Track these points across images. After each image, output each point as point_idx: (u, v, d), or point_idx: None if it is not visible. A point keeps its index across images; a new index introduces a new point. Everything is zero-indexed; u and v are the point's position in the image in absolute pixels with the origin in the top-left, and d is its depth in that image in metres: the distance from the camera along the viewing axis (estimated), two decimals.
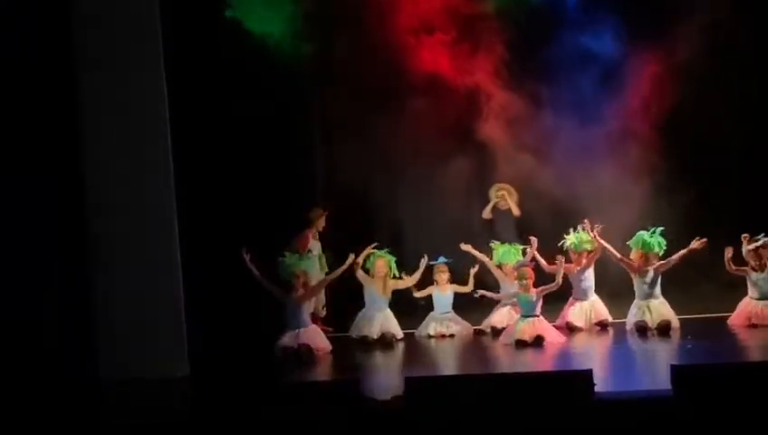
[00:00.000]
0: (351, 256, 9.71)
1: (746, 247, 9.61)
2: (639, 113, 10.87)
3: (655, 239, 9.62)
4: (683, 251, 9.60)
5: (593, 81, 10.81)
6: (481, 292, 9.81)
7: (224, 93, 10.68)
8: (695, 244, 9.58)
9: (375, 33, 10.88)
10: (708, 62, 10.59)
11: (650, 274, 9.64)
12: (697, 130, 10.74)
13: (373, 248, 9.94)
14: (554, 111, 10.87)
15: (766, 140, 11.01)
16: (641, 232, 9.68)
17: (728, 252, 9.56)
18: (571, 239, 9.99)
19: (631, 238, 9.81)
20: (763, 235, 9.67)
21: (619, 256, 9.70)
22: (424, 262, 9.91)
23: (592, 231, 9.77)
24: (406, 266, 10.08)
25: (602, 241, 9.73)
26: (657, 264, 9.64)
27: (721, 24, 10.54)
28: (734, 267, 9.60)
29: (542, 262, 9.91)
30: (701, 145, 10.81)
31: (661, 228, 9.69)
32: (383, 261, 9.94)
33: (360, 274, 9.89)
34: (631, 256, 9.70)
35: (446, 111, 11.15)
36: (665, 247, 9.65)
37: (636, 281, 9.69)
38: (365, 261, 9.93)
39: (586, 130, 10.69)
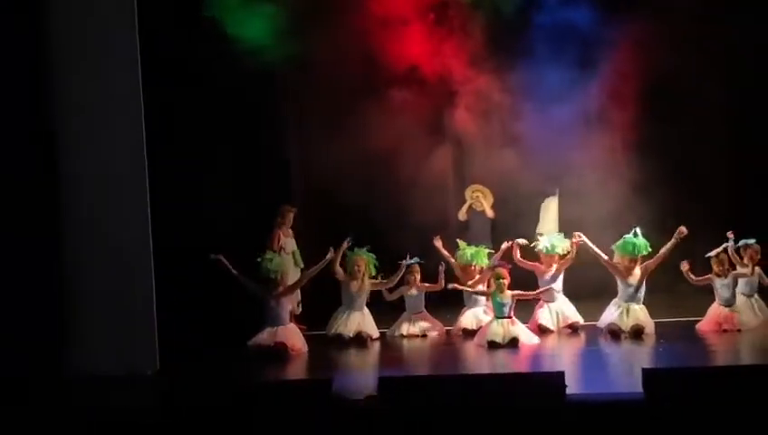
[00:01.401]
0: (331, 252, 9.68)
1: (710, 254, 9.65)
2: (618, 99, 10.86)
3: (640, 241, 9.62)
4: (669, 243, 9.51)
5: (571, 64, 10.75)
6: (452, 285, 9.80)
7: (198, 90, 10.62)
8: (679, 233, 9.51)
9: (348, 26, 10.86)
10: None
11: (637, 275, 9.64)
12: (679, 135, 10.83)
13: (349, 245, 9.92)
14: (532, 101, 10.85)
15: (749, 131, 11.08)
16: (626, 236, 9.67)
17: (684, 265, 9.59)
18: (543, 242, 10.01)
19: (605, 231, 9.84)
20: (745, 240, 9.75)
21: (605, 257, 9.67)
22: (403, 264, 9.89)
23: (575, 241, 9.74)
24: (381, 263, 10.06)
25: (591, 244, 9.69)
26: (649, 262, 9.63)
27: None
28: (694, 278, 9.64)
29: (519, 260, 9.98)
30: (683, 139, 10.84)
31: (638, 228, 9.67)
32: (361, 260, 9.92)
33: (338, 271, 9.86)
34: (615, 260, 9.70)
35: (422, 105, 11.16)
36: (649, 249, 9.66)
37: (621, 284, 9.68)
38: (344, 259, 9.91)
39: (563, 117, 10.68)
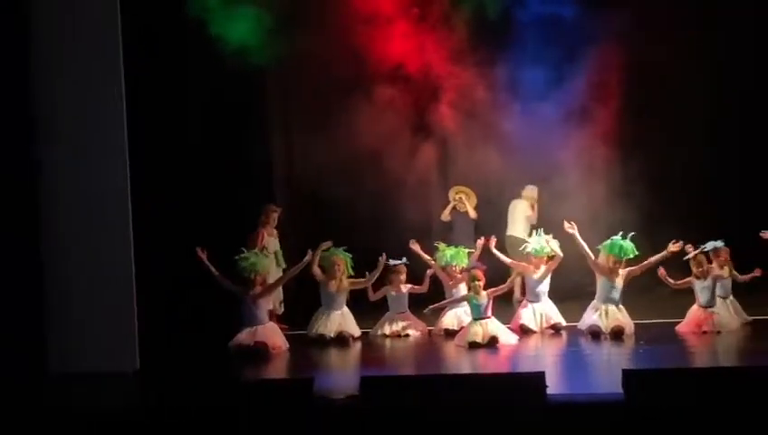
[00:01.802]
0: (309, 254, 9.68)
1: (689, 257, 9.68)
2: (603, 97, 10.88)
3: (627, 244, 9.65)
4: (659, 255, 9.57)
5: (556, 61, 10.74)
6: (430, 308, 9.76)
7: (182, 89, 10.60)
8: (672, 247, 9.55)
9: (332, 25, 10.85)
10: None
11: (620, 278, 9.68)
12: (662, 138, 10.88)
13: (327, 246, 9.92)
14: (516, 98, 10.85)
15: (732, 133, 11.14)
16: (614, 238, 9.70)
17: (661, 271, 9.62)
18: (533, 244, 10.03)
19: (588, 230, 9.88)
20: (714, 242, 9.80)
21: (593, 257, 9.71)
22: (382, 261, 9.90)
23: (566, 228, 9.73)
24: (366, 263, 10.07)
25: (580, 239, 9.70)
26: (634, 268, 9.67)
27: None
28: (673, 282, 9.67)
29: (506, 260, 10.03)
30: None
31: (632, 234, 9.71)
32: (339, 259, 9.92)
33: (316, 272, 9.87)
34: (599, 260, 9.74)
35: (406, 103, 11.17)
36: (636, 252, 9.69)
37: (601, 283, 9.72)
38: (322, 259, 9.90)
39: (547, 115, 10.68)
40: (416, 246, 10.16)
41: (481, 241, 10.10)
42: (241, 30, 10.46)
